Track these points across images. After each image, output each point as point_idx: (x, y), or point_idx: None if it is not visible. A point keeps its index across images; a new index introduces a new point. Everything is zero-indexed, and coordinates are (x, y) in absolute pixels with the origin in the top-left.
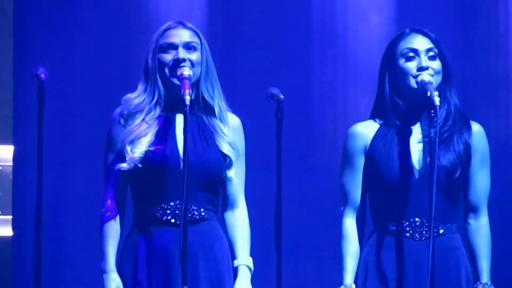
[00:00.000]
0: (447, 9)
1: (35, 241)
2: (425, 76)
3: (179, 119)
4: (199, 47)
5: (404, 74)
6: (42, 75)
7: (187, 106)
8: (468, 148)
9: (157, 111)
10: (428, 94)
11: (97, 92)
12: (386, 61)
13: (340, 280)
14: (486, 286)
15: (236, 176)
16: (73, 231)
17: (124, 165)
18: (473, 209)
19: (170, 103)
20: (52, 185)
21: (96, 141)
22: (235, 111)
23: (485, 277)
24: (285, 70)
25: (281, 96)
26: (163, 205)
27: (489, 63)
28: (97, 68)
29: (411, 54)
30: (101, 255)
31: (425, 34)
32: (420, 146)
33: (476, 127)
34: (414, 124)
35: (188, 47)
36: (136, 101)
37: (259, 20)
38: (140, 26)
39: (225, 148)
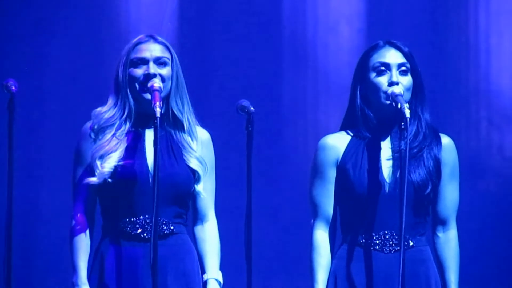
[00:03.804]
0: (417, 22)
1: (5, 253)
2: (396, 89)
3: (149, 134)
4: (169, 61)
5: (375, 88)
6: (13, 87)
7: (157, 118)
8: (438, 163)
9: (127, 126)
10: (399, 106)
11: (68, 103)
12: (359, 73)
13: None
14: None
15: (205, 190)
16: (43, 242)
17: (93, 179)
18: (442, 222)
19: (140, 118)
20: (22, 197)
21: (66, 153)
22: (205, 123)
23: None
24: (255, 82)
25: (252, 108)
26: (132, 219)
27: (460, 76)
28: (68, 80)
29: (383, 68)
30: (72, 269)
31: (398, 48)
32: (391, 159)
33: (445, 139)
34: (385, 137)
35: (159, 62)
36: (106, 116)
37: (229, 32)
38: (111, 38)
39: (193, 163)
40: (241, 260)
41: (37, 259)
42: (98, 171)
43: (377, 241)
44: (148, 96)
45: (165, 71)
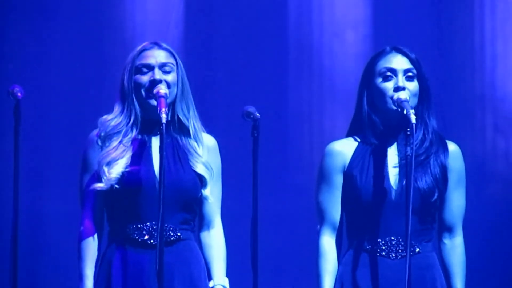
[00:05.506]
0: (423, 28)
1: (11, 260)
2: (401, 94)
3: (155, 141)
4: (174, 68)
5: (381, 94)
6: (19, 94)
7: (163, 125)
8: (444, 170)
9: (134, 133)
10: (404, 112)
11: (74, 110)
12: (365, 78)
13: None
14: None
15: (212, 196)
16: (49, 249)
17: (100, 185)
18: (448, 229)
19: (147, 125)
20: (28, 203)
21: (72, 159)
22: (210, 129)
23: None
24: (261, 88)
25: (257, 114)
26: (139, 226)
27: (465, 82)
28: (73, 86)
29: (389, 73)
30: (79, 277)
31: (404, 54)
32: (397, 166)
33: (452, 146)
34: (391, 143)
35: (164, 68)
36: (113, 123)
37: (235, 38)
38: (117, 44)
39: (199, 168)
40: (247, 266)
41: (43, 266)
42: (105, 177)
43: (383, 247)
44: (154, 102)
45: (170, 77)
